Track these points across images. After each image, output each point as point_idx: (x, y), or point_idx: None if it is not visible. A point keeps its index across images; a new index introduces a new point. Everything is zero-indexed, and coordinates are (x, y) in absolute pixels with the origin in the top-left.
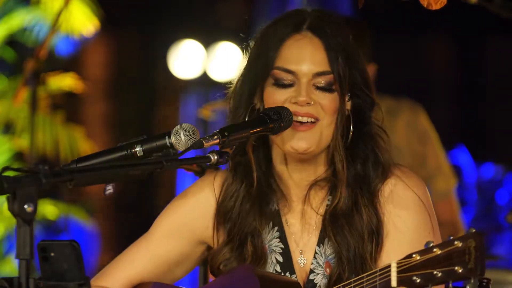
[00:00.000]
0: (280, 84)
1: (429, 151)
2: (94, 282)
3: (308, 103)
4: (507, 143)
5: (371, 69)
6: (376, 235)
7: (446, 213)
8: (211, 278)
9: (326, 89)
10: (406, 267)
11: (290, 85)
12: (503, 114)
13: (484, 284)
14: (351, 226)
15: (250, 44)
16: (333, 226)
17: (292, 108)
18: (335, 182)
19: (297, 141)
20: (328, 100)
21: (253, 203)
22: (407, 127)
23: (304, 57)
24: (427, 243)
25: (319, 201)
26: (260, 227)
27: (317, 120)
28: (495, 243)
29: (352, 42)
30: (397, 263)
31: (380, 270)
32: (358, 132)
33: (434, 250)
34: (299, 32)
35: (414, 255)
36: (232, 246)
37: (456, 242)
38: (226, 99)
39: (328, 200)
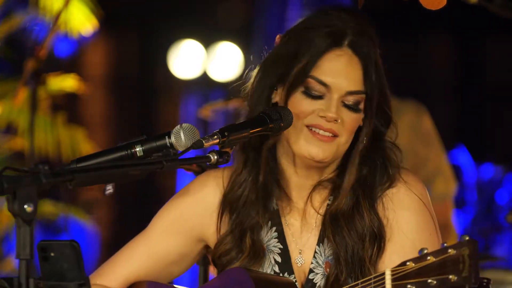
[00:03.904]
0: (309, 94)
1: (431, 153)
2: (91, 280)
3: (335, 120)
4: (507, 143)
5: None
6: (378, 238)
7: (440, 215)
8: (211, 277)
9: (353, 108)
10: (400, 275)
11: (319, 97)
12: (503, 114)
13: (484, 284)
14: (351, 227)
15: (277, 39)
16: (332, 226)
17: (317, 120)
18: (339, 183)
19: (314, 148)
20: (352, 119)
21: (257, 196)
22: (410, 128)
23: (341, 73)
24: (421, 250)
25: (320, 200)
26: (261, 221)
27: (335, 136)
28: (495, 243)
29: (378, 56)
30: (392, 271)
31: (375, 277)
32: (370, 144)
33: (428, 258)
34: (340, 47)
35: (408, 263)
36: (233, 236)
37: (450, 250)
38: (244, 95)
39: (329, 200)
